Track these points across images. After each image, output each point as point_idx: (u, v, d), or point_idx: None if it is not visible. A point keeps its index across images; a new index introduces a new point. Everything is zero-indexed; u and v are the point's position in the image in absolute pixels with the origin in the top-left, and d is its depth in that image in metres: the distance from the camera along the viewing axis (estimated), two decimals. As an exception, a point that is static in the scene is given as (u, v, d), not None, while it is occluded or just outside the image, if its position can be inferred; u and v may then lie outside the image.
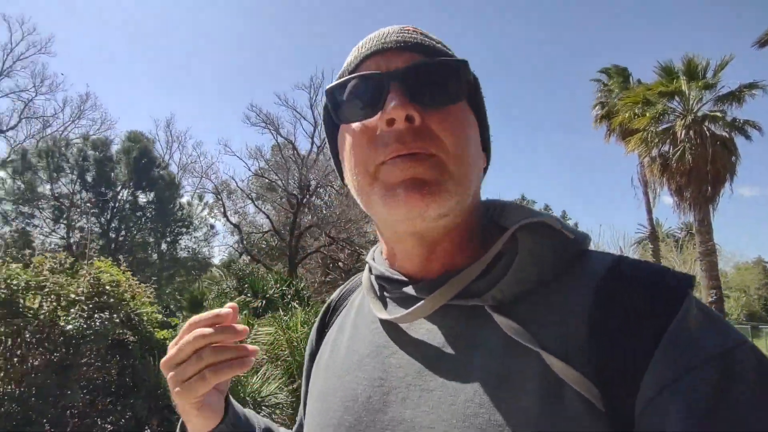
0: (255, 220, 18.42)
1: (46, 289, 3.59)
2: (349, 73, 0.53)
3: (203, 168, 17.09)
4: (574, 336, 0.42)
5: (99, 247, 12.48)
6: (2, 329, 3.38)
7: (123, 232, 12.60)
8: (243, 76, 38.86)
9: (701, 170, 11.76)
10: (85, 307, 3.64)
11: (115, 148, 12.70)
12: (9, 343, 3.40)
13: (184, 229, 13.05)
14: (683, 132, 12.16)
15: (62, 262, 4.05)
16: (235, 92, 39.44)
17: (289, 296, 7.90)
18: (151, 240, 13.14)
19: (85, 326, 3.47)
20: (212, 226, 14.62)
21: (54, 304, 3.59)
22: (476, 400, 0.42)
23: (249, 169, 18.71)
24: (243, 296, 7.49)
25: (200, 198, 14.15)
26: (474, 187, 0.51)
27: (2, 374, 3.31)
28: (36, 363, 3.42)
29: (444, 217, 0.49)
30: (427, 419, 0.44)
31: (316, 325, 0.71)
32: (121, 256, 5.16)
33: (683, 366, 0.37)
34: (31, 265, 3.82)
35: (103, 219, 12.34)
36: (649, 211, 16.23)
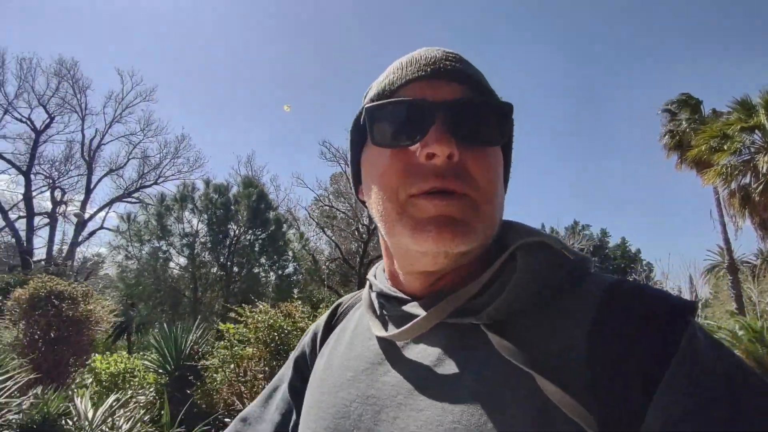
0: (317, 247, 19.80)
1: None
2: (390, 93, 0.51)
3: (289, 204, 18.86)
4: (570, 359, 0.40)
5: (218, 278, 14.14)
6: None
7: (236, 267, 14.15)
8: (314, 112, 41.42)
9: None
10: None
11: (231, 192, 14.44)
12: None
13: (290, 262, 14.51)
14: (766, 166, 12.45)
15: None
16: (299, 126, 41.98)
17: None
18: (263, 274, 14.65)
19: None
20: (315, 260, 16.06)
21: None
22: (463, 421, 0.41)
23: (319, 200, 20.24)
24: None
25: (301, 236, 15.70)
26: (498, 225, 0.51)
27: None
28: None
29: (465, 256, 0.49)
30: None
31: (320, 331, 0.69)
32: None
33: (692, 401, 0.35)
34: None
35: (221, 254, 13.96)
36: (727, 241, 16.24)
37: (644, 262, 32.64)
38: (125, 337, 12.84)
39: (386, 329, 0.54)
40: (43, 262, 19.42)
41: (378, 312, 0.58)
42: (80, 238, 21.43)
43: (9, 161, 19.80)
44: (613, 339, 0.40)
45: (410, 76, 0.50)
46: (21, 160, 20.14)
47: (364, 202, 0.59)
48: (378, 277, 0.62)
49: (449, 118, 0.47)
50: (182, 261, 14.27)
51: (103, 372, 5.47)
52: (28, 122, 20.45)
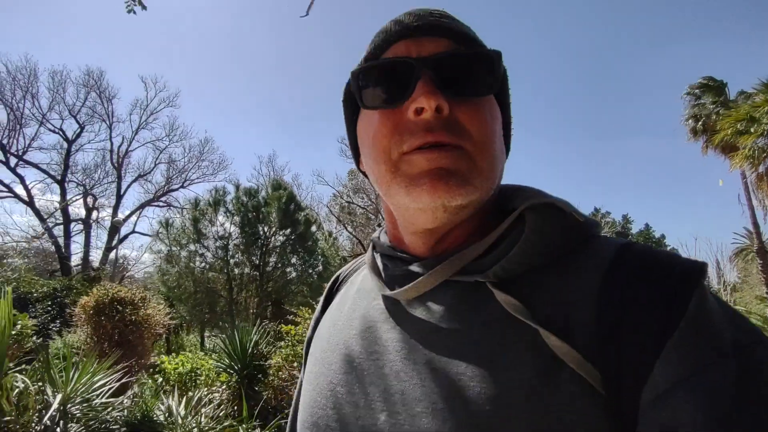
0: (340, 243, 20.20)
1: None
2: (376, 56, 0.51)
3: (311, 201, 19.28)
4: (577, 317, 0.41)
5: (252, 278, 14.65)
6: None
7: (269, 267, 14.60)
8: (333, 109, 41.73)
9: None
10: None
11: (261, 194, 14.87)
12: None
13: (320, 261, 14.92)
14: (796, 148, 12.31)
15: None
16: (317, 124, 42.42)
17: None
18: (294, 273, 15.10)
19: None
20: (344, 259, 16.47)
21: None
22: (468, 373, 0.41)
23: (339, 196, 20.56)
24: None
25: (329, 234, 16.10)
26: (497, 179, 0.51)
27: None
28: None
29: (465, 209, 0.48)
30: (417, 391, 0.43)
31: (320, 303, 0.70)
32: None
33: (699, 361, 0.35)
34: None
35: (254, 255, 14.44)
36: (756, 225, 16.06)
37: (669, 248, 32.27)
38: (164, 338, 13.46)
39: (390, 287, 0.54)
40: (79, 267, 20.28)
41: (382, 273, 0.57)
42: (113, 243, 22.26)
43: (44, 171, 20.70)
44: (621, 297, 0.40)
45: (394, 36, 0.50)
46: (55, 170, 21.04)
47: (365, 173, 0.58)
48: (381, 239, 0.62)
49: (435, 72, 0.47)
50: (217, 263, 14.80)
51: (172, 372, 5.91)
52: (61, 132, 21.31)
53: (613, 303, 0.40)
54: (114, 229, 22.06)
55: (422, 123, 0.46)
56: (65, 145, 21.32)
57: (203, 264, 14.20)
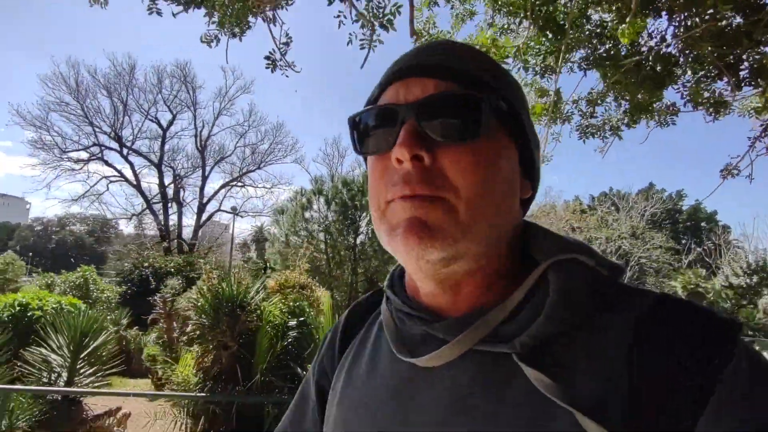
0: None
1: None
2: (374, 100, 0.52)
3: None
4: (610, 387, 0.39)
5: (348, 258, 16.78)
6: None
7: (361, 247, 16.68)
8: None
9: None
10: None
11: (356, 182, 16.75)
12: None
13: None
14: None
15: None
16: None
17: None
18: (381, 254, 17.26)
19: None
20: None
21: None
22: None
23: None
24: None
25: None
26: (495, 228, 0.47)
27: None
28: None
29: (454, 262, 0.46)
30: None
31: (329, 341, 0.66)
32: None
33: (742, 421, 0.35)
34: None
35: (349, 238, 16.58)
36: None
37: (721, 224, 32.27)
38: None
39: (407, 347, 0.51)
40: (175, 242, 23.02)
41: (398, 328, 0.55)
42: (201, 221, 24.90)
43: (147, 158, 23.33)
44: (654, 360, 0.38)
45: (386, 79, 0.50)
46: (153, 157, 23.62)
47: None
48: (396, 289, 0.57)
49: (418, 118, 0.45)
50: (320, 245, 17.08)
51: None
52: (156, 122, 23.73)
53: (645, 367, 0.39)
54: (202, 207, 24.63)
55: (402, 173, 0.45)
56: (161, 132, 23.76)
57: (310, 245, 16.44)
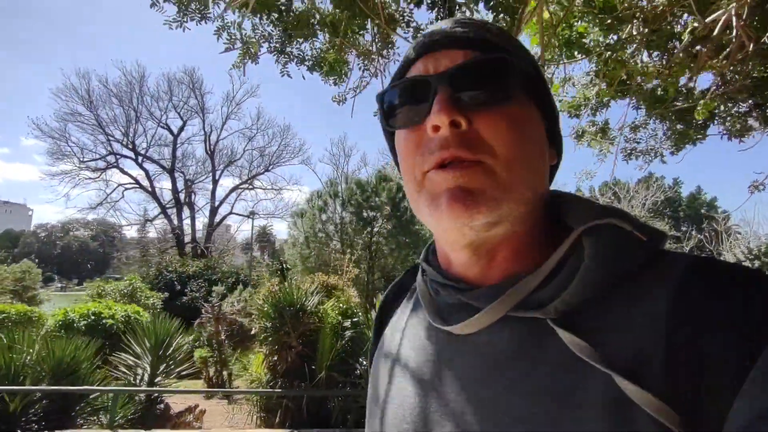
0: None
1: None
2: (400, 76, 0.53)
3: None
4: (648, 350, 0.38)
5: (364, 258, 17.35)
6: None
7: (376, 247, 17.30)
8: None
9: None
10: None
11: (370, 185, 17.32)
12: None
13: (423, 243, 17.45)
14: None
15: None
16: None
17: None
18: (396, 252, 17.80)
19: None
20: None
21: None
22: (532, 419, 0.40)
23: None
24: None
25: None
26: (532, 190, 0.48)
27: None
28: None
29: (496, 226, 0.47)
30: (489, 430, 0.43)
31: (373, 331, 0.70)
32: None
33: None
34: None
35: (364, 238, 17.19)
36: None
37: (720, 210, 32.85)
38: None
39: (443, 316, 0.53)
40: (189, 245, 23.54)
41: (434, 298, 0.56)
42: (214, 223, 25.40)
43: (160, 164, 23.76)
44: (696, 326, 0.37)
45: (413, 54, 0.52)
46: (165, 163, 24.06)
47: None
48: (431, 261, 0.59)
49: (452, 86, 0.46)
50: (337, 245, 17.69)
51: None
52: (167, 128, 24.15)
53: (684, 330, 0.37)
54: (214, 211, 25.13)
55: (439, 140, 0.46)
56: (171, 138, 24.19)
57: (329, 246, 17.00)
